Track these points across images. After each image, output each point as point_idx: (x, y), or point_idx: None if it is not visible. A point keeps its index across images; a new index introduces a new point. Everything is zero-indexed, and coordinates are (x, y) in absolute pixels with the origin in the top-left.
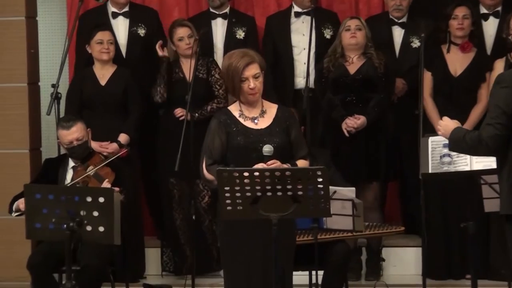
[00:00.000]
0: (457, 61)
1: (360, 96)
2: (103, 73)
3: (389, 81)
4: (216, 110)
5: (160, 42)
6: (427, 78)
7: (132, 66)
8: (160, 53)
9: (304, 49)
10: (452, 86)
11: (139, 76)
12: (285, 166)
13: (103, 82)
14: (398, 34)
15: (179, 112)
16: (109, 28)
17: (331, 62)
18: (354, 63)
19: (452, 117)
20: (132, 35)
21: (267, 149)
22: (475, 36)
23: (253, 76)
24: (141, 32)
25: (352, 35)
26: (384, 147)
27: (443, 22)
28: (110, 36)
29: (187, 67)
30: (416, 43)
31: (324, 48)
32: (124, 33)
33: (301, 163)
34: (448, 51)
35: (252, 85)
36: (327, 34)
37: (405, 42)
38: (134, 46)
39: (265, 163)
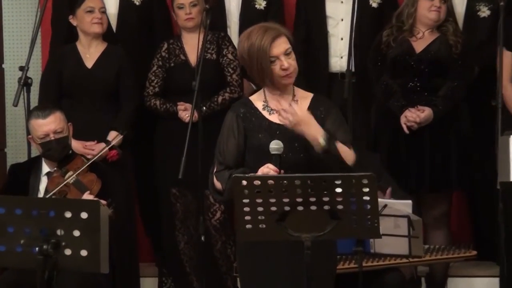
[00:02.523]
0: None
1: (426, 82)
2: (90, 52)
3: (467, 65)
4: (229, 101)
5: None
6: (507, 59)
7: (124, 44)
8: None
9: (342, 20)
10: None
11: (134, 57)
12: None
13: (89, 63)
14: (460, 1)
15: (182, 109)
16: None
17: (392, 36)
18: (422, 39)
19: None
20: (125, 3)
21: (275, 146)
22: None
23: (284, 53)
24: None
25: (436, 9)
26: (456, 149)
27: None
28: (102, 3)
29: (191, 46)
30: (485, 12)
31: (370, 20)
32: (114, 0)
33: (339, 147)
34: None
35: (285, 64)
36: (374, 1)
37: (470, 11)
38: (128, 17)
39: (272, 164)
